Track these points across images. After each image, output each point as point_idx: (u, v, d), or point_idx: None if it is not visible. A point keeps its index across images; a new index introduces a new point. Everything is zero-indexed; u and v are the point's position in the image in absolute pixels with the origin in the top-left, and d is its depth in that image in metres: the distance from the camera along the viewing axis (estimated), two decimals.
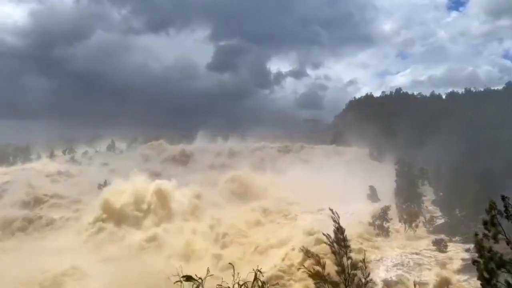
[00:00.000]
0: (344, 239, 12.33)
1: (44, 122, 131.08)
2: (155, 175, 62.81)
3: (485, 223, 11.51)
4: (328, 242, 12.45)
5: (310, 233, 32.41)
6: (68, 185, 61.01)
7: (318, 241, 27.48)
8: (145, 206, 44.01)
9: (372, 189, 49.15)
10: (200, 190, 49.18)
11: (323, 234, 12.42)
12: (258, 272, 4.09)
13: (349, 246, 12.67)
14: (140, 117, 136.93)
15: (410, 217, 40.11)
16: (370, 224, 38.63)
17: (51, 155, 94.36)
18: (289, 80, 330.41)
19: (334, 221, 13.29)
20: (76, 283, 28.21)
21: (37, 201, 51.97)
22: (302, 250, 12.26)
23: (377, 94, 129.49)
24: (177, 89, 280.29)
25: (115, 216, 41.80)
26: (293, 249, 31.07)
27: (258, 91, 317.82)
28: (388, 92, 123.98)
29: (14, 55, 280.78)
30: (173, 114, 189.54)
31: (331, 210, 13.17)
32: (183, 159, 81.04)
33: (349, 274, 12.33)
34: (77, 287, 27.76)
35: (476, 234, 7.31)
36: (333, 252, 12.42)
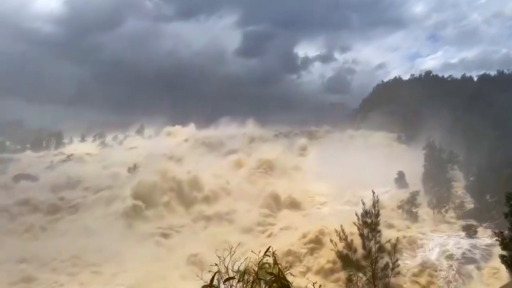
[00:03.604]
0: (374, 223, 12.49)
1: (77, 108, 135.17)
2: (181, 159, 63.98)
3: (506, 215, 11.38)
4: (357, 225, 12.65)
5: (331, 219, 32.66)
6: (99, 168, 62.79)
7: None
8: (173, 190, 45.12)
9: (400, 174, 48.53)
10: (227, 173, 49.84)
11: (357, 216, 12.61)
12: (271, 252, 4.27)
13: (379, 231, 12.82)
14: (168, 103, 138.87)
15: (439, 202, 39.55)
16: (398, 208, 38.36)
17: (83, 140, 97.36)
18: (316, 65, 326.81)
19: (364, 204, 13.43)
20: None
21: (71, 184, 53.86)
22: (336, 232, 12.48)
23: (406, 77, 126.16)
24: (205, 75, 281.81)
25: (146, 198, 43.12)
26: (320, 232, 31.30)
27: (285, 76, 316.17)
28: (417, 75, 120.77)
29: (49, 43, 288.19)
30: (200, 99, 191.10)
31: (362, 200, 13.32)
32: (210, 144, 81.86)
33: (375, 258, 12.50)
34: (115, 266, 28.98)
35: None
36: (361, 235, 12.61)
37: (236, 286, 3.93)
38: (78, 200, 47.92)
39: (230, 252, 5.25)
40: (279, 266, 3.84)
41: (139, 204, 42.11)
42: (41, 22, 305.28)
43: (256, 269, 3.89)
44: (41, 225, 41.00)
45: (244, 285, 3.85)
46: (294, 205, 43.96)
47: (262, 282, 3.82)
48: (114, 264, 30.18)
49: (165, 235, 36.56)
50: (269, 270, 3.82)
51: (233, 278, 3.93)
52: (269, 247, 4.03)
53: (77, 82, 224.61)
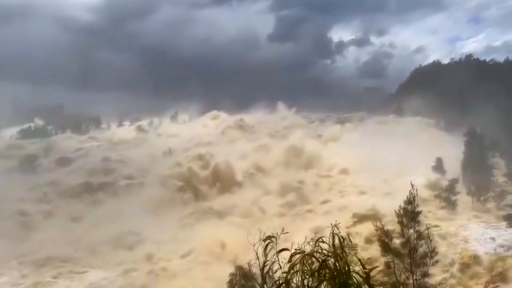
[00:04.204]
0: (413, 212, 12.33)
1: (114, 94, 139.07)
2: (215, 144, 64.75)
3: None
4: (399, 213, 12.51)
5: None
6: (136, 153, 64.55)
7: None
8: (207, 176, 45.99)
9: (438, 161, 47.17)
10: (258, 159, 50.12)
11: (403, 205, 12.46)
12: (335, 228, 4.29)
13: (419, 219, 12.64)
14: (202, 89, 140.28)
15: (478, 190, 38.31)
16: (436, 196, 37.46)
17: (120, 125, 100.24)
18: (351, 49, 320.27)
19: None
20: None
21: (109, 168, 55.73)
22: (374, 224, 12.44)
23: (445, 61, 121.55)
24: (238, 61, 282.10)
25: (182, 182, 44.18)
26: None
27: (319, 61, 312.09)
28: (457, 59, 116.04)
29: (88, 30, 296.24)
30: (233, 85, 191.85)
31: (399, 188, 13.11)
32: (242, 129, 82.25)
33: (414, 246, 12.37)
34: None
35: None
36: (400, 223, 12.48)
37: (292, 261, 4.03)
38: (115, 183, 49.60)
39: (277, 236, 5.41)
40: (340, 242, 3.89)
41: (175, 187, 43.18)
42: (81, 10, 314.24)
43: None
44: (80, 208, 42.79)
45: (299, 261, 3.94)
46: (327, 192, 43.80)
47: (315, 259, 3.90)
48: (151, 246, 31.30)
49: (200, 218, 37.37)
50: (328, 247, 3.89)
51: (286, 249, 4.04)
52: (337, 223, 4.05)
53: (115, 69, 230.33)
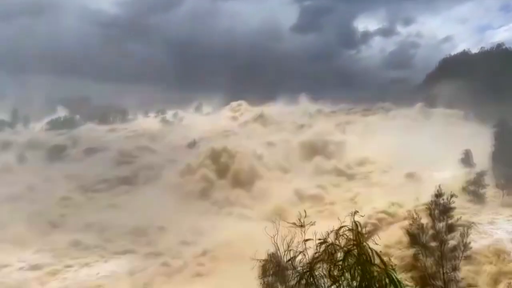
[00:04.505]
0: (445, 204, 12.10)
1: (140, 86, 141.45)
2: (238, 135, 65.05)
3: None
4: (429, 206, 12.32)
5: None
6: (161, 143, 65.59)
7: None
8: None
9: (466, 154, 45.97)
10: (282, 149, 50.03)
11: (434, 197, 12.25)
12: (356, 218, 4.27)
13: (451, 216, 12.39)
14: (225, 80, 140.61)
15: (508, 183, 37.19)
16: (463, 189, 36.57)
17: (146, 116, 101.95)
18: (377, 39, 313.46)
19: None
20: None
21: (135, 158, 56.93)
22: (409, 214, 12.30)
23: (475, 51, 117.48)
24: (261, 52, 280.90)
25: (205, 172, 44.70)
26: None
27: (343, 52, 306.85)
28: (487, 48, 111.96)
29: (114, 23, 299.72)
30: (257, 76, 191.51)
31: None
32: (266, 120, 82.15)
33: (445, 239, 12.14)
34: None
35: None
36: (431, 216, 12.28)
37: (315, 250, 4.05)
38: (141, 173, 50.62)
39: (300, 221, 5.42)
40: (359, 232, 3.88)
41: (198, 178, 43.72)
42: (108, 3, 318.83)
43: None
44: (109, 197, 43.88)
45: (321, 249, 3.95)
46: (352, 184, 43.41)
47: (339, 248, 3.90)
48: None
49: (223, 209, 37.73)
50: (350, 237, 3.88)
51: (310, 239, 4.07)
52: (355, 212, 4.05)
53: (141, 61, 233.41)
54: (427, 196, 14.06)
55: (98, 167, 52.54)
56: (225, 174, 46.05)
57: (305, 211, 5.48)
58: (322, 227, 4.74)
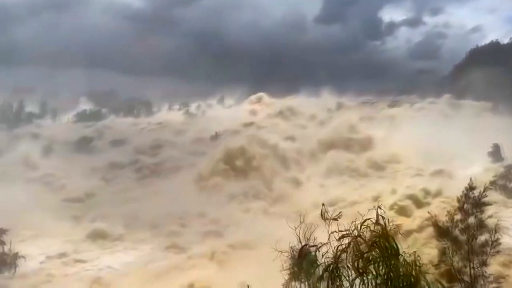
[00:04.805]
0: (477, 198, 11.75)
1: (164, 78, 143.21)
2: (261, 127, 65.03)
3: None
4: (459, 199, 12.00)
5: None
6: (185, 135, 66.34)
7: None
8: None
9: (496, 147, 44.60)
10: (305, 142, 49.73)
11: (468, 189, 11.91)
12: (379, 209, 4.16)
13: (483, 211, 12.02)
14: (248, 72, 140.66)
15: None
16: (491, 183, 35.52)
17: (170, 108, 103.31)
18: (402, 30, 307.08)
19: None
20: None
21: (160, 150, 57.81)
22: (438, 207, 12.05)
23: (505, 41, 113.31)
24: (284, 44, 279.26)
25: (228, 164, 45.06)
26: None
27: (368, 43, 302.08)
28: None
29: (138, 17, 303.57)
30: (279, 68, 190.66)
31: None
32: (289, 113, 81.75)
33: (474, 234, 11.82)
34: None
35: None
36: (461, 209, 11.96)
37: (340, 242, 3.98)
38: (165, 165, 51.42)
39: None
40: (385, 223, 3.79)
41: (221, 169, 44.05)
42: None
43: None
44: (132, 188, 44.69)
45: (346, 241, 3.88)
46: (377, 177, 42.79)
47: (364, 241, 3.82)
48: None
49: (246, 201, 37.88)
50: (375, 230, 3.79)
51: (335, 231, 4.01)
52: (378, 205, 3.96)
53: (164, 54, 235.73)
54: (454, 190, 13.70)
55: (123, 159, 53.61)
56: (246, 168, 46.13)
57: (323, 205, 5.40)
58: (346, 221, 4.66)
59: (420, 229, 25.48)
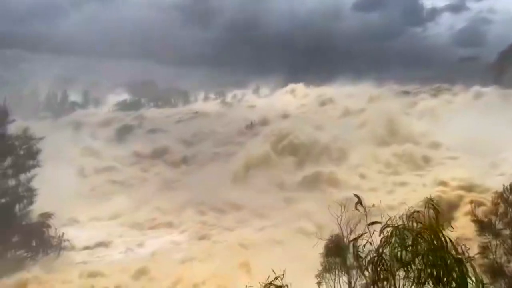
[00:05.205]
0: None
1: (201, 68, 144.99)
2: (297, 117, 64.57)
3: None
4: (504, 192, 11.54)
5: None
6: (221, 124, 66.96)
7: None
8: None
9: None
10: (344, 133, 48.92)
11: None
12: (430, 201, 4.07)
13: None
14: (284, 62, 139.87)
15: None
16: None
17: (206, 98, 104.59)
18: (445, 16, 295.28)
19: None
20: None
21: (196, 139, 58.75)
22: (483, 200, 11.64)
23: None
24: (321, 33, 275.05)
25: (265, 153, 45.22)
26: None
27: (408, 30, 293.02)
28: None
29: (176, 7, 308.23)
30: (316, 57, 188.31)
31: None
32: (325, 103, 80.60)
33: None
34: None
35: None
36: (506, 201, 11.50)
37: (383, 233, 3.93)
38: (201, 154, 52.22)
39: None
40: (433, 217, 3.71)
41: (257, 159, 44.28)
42: None
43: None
44: (172, 176, 45.74)
45: (392, 233, 3.82)
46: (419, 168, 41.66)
47: (410, 232, 3.76)
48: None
49: (283, 189, 37.96)
50: (422, 221, 3.72)
51: (378, 222, 3.96)
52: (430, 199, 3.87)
53: (201, 44, 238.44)
54: (499, 184, 13.15)
55: (161, 147, 54.88)
56: (283, 156, 46.06)
57: (358, 197, 5.34)
58: (390, 213, 4.61)
59: (464, 223, 24.73)
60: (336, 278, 8.09)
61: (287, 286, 4.40)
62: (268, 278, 4.47)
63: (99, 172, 44.64)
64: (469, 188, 30.73)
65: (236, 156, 46.81)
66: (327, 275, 8.23)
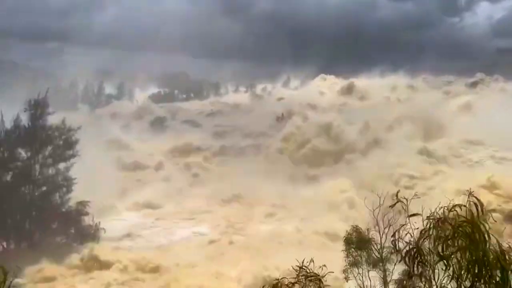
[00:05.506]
0: None
1: (232, 61, 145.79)
2: (327, 109, 63.92)
3: None
4: None
5: None
6: (250, 117, 67.06)
7: None
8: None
9: None
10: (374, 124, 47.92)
11: None
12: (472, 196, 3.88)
13: None
14: (315, 53, 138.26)
15: None
16: None
17: (237, 90, 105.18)
18: (483, 5, 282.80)
19: None
20: None
21: (228, 130, 59.19)
22: None
23: None
24: (355, 23, 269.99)
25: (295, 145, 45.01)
26: None
27: (445, 20, 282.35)
28: None
29: (208, 0, 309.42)
30: (349, 48, 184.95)
31: None
32: (356, 94, 79.19)
33: None
34: None
35: None
36: None
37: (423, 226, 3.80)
38: (233, 146, 52.49)
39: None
40: (475, 210, 3.54)
41: (288, 151, 44.20)
42: None
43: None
44: (203, 168, 46.27)
45: (431, 226, 3.67)
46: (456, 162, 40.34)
47: (450, 225, 3.60)
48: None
49: (315, 179, 37.73)
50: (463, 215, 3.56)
51: (417, 214, 3.83)
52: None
53: (232, 37, 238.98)
54: None
55: (194, 138, 55.54)
56: (313, 148, 45.67)
57: (397, 194, 5.17)
58: (429, 206, 4.45)
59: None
60: (365, 273, 7.94)
61: (320, 276, 4.33)
62: (299, 270, 4.40)
63: (133, 163, 45.68)
64: (506, 183, 29.48)
65: (267, 148, 46.84)
66: (354, 269, 8.08)
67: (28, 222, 25.61)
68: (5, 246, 24.75)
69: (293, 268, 4.44)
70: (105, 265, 22.49)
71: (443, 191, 27.16)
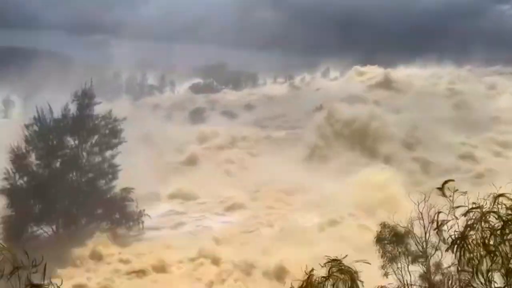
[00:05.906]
0: None
1: (270, 51, 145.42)
2: (367, 100, 62.49)
3: None
4: None
5: None
6: (288, 107, 66.87)
7: None
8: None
9: None
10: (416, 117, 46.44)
11: None
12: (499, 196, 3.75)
13: None
14: (355, 43, 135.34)
15: None
16: None
17: (275, 81, 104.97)
18: None
19: None
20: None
21: (265, 121, 59.41)
22: None
23: None
24: (398, 11, 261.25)
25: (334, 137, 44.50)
26: None
27: (494, 7, 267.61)
28: None
29: None
30: (391, 37, 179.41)
31: None
32: (398, 85, 76.75)
33: None
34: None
35: None
36: None
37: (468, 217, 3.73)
38: (273, 136, 52.69)
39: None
40: None
41: (328, 142, 43.81)
42: None
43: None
44: (242, 158, 46.67)
45: (478, 218, 3.61)
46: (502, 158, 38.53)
47: (497, 217, 3.52)
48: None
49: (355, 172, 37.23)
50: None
51: (462, 206, 3.77)
52: None
53: (271, 27, 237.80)
54: None
55: (231, 130, 56.02)
56: (353, 139, 44.95)
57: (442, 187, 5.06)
58: (474, 197, 4.34)
59: None
60: (405, 267, 7.79)
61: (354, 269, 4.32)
62: (330, 264, 4.41)
63: (174, 152, 46.76)
64: None
65: (306, 139, 46.62)
66: (393, 264, 7.93)
67: (76, 207, 26.91)
68: (54, 230, 26.12)
69: (327, 261, 4.42)
70: (143, 251, 23.52)
71: (491, 180, 26.06)
